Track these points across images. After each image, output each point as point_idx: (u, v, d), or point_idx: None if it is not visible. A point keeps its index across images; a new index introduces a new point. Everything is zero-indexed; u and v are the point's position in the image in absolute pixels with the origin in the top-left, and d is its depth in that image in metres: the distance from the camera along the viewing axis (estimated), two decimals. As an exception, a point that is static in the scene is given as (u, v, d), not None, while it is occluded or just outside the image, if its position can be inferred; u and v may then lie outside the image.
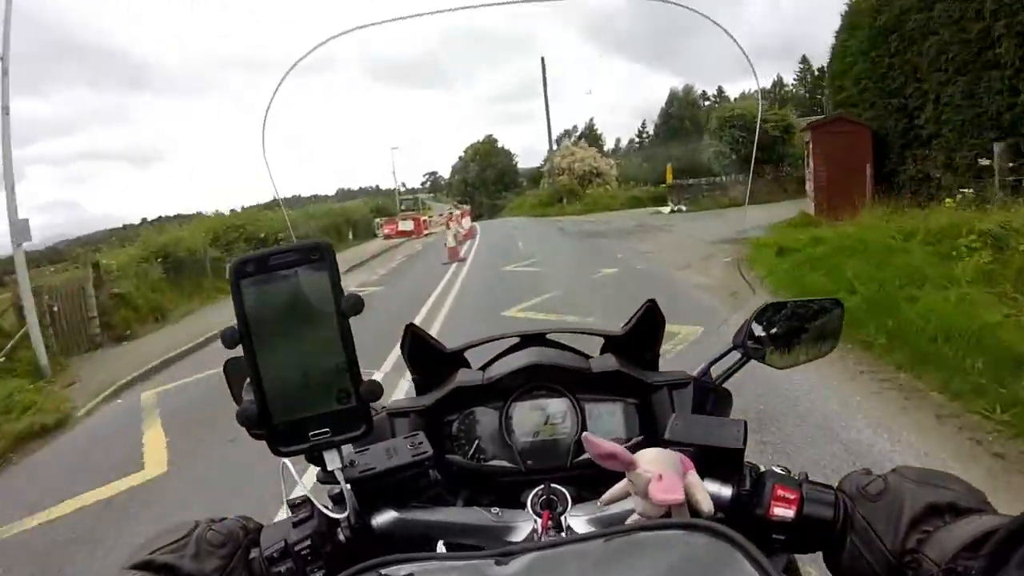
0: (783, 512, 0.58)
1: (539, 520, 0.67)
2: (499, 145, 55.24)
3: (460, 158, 55.02)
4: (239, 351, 0.53)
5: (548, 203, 32.79)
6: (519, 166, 54.06)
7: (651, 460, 0.56)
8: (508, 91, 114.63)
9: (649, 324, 1.02)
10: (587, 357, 0.99)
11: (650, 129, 56.53)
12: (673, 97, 47.98)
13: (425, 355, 1.02)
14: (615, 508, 0.63)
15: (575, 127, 50.93)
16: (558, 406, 0.92)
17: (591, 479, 0.79)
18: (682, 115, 45.27)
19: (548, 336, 1.05)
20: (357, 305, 0.54)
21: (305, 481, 0.65)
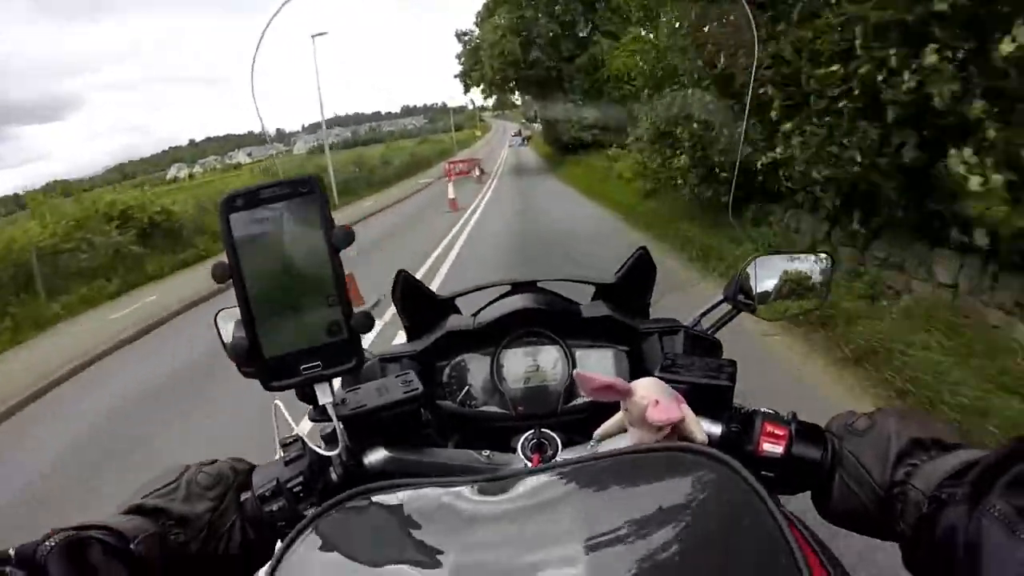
0: (772, 448, 0.59)
1: (529, 464, 0.68)
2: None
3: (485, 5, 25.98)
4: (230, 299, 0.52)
5: None
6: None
7: (647, 387, 0.57)
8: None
9: (640, 272, 1.02)
10: (578, 304, 0.99)
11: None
12: None
13: (416, 302, 1.02)
14: (607, 446, 0.64)
15: None
16: (549, 352, 0.93)
17: (581, 424, 0.80)
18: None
19: (539, 284, 1.05)
20: (347, 237, 0.53)
21: (297, 422, 0.65)
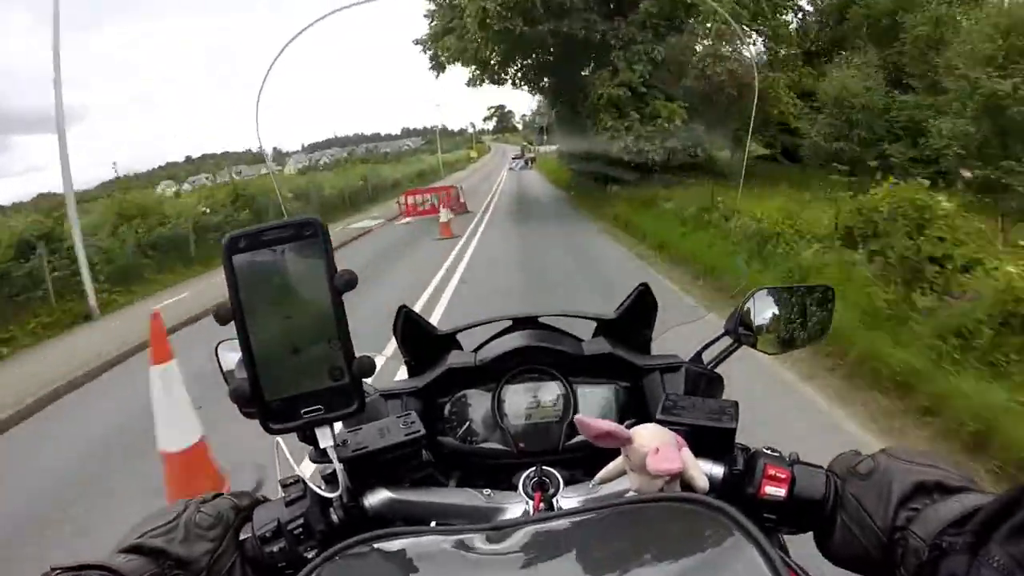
0: (774, 491, 0.59)
1: (531, 502, 0.67)
2: None
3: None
4: (231, 330, 0.52)
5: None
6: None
7: (647, 435, 0.57)
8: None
9: (641, 308, 1.02)
10: (579, 340, 1.00)
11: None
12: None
13: (417, 337, 1.02)
14: (607, 489, 0.64)
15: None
16: (550, 389, 0.93)
17: (583, 462, 0.80)
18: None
19: (540, 319, 1.05)
20: (350, 281, 0.53)
21: (298, 462, 0.64)
